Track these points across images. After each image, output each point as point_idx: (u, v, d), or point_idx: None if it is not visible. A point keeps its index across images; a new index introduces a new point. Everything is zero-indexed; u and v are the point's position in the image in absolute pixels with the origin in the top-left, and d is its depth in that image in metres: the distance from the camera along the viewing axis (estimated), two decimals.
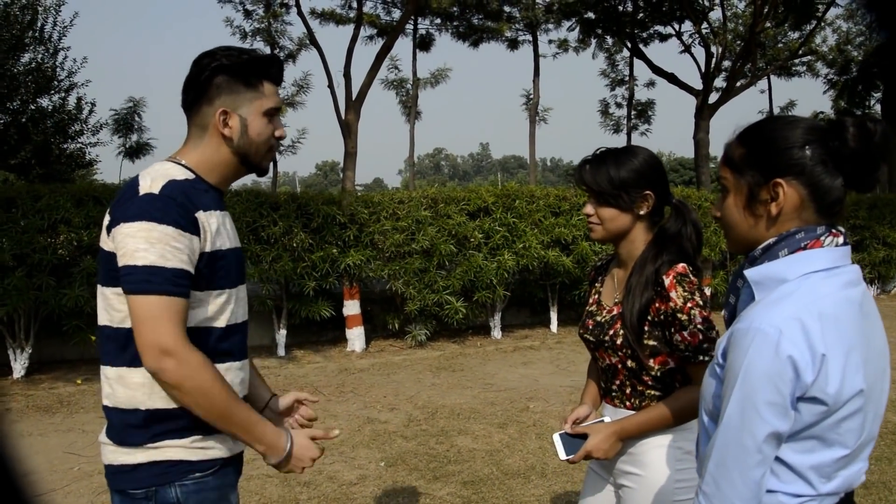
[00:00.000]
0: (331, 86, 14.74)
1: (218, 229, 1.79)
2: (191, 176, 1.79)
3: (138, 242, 1.63)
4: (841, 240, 1.42)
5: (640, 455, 2.10)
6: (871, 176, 1.42)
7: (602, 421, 2.14)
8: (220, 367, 1.77)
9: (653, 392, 2.09)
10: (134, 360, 1.69)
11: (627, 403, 2.13)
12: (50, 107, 18.56)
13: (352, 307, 9.23)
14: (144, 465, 1.72)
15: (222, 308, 1.81)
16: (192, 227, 1.70)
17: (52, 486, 4.59)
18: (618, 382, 2.15)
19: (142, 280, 1.62)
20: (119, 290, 1.69)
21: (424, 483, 4.60)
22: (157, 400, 1.71)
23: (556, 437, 2.17)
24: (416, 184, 27.63)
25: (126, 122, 18.91)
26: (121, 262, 1.66)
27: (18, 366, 7.53)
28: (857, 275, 1.43)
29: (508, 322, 10.67)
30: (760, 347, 1.30)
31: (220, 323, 1.81)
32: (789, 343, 1.29)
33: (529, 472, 4.76)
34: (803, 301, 1.33)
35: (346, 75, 14.33)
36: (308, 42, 17.88)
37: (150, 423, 1.72)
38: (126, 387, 1.72)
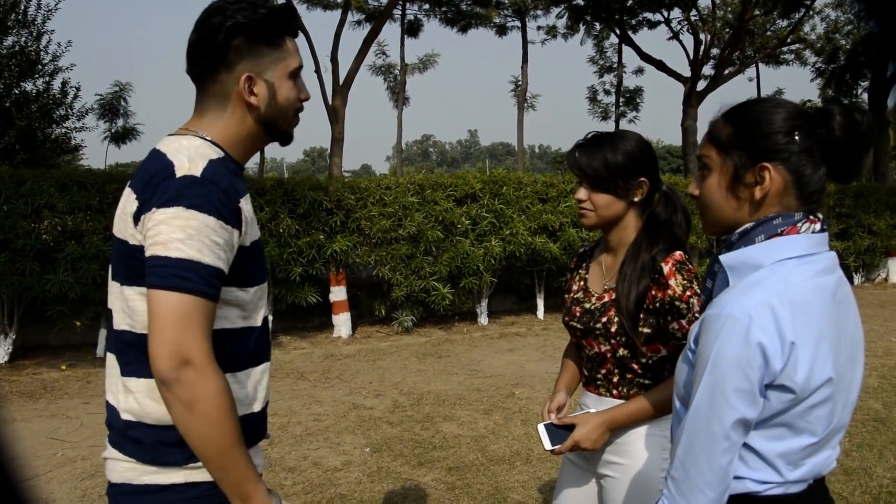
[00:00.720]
0: (317, 71, 14.62)
1: (252, 218, 1.58)
2: (221, 154, 1.55)
3: (174, 231, 1.39)
4: (818, 226, 1.41)
5: (625, 445, 2.07)
6: (854, 166, 1.41)
7: (588, 411, 2.12)
8: (257, 368, 1.61)
9: (642, 380, 2.06)
10: None
11: (614, 392, 2.10)
12: (34, 91, 18.33)
13: (338, 293, 9.21)
14: (180, 485, 1.50)
15: (258, 304, 1.62)
16: (235, 219, 1.48)
17: (36, 472, 4.57)
18: (604, 371, 2.12)
19: (173, 275, 1.37)
20: (143, 290, 1.45)
21: (409, 469, 4.61)
22: None
23: (541, 427, 2.14)
24: (403, 170, 27.57)
25: (112, 106, 18.71)
26: (149, 252, 1.41)
27: (2, 351, 7.49)
28: (832, 262, 1.42)
29: (495, 308, 10.68)
30: (730, 333, 1.30)
31: (258, 321, 1.63)
32: (759, 330, 1.28)
33: (514, 458, 4.77)
34: (775, 288, 1.32)
35: (334, 60, 14.21)
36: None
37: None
38: (160, 401, 1.45)
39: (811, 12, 23.33)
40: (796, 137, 1.38)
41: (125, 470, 1.53)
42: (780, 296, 1.31)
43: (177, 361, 1.35)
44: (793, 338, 1.29)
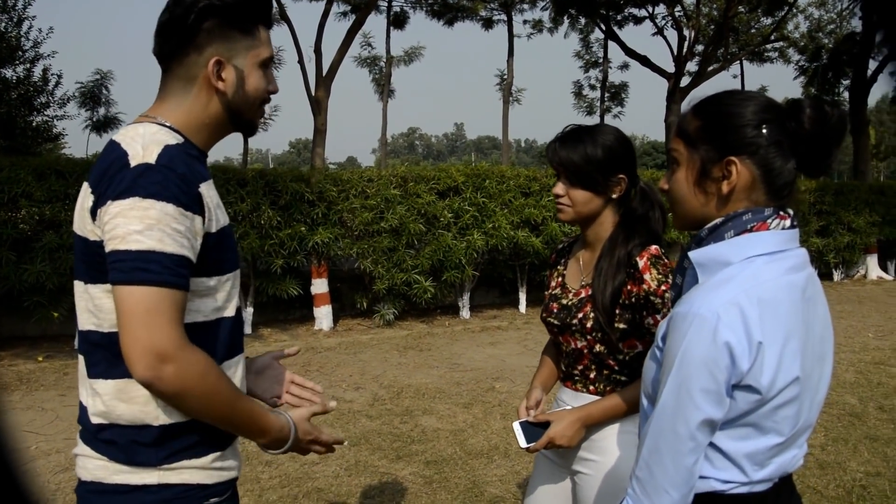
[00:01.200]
0: (301, 62, 14.56)
1: (217, 203, 1.53)
2: (180, 139, 1.48)
3: (131, 223, 1.34)
4: (788, 223, 1.39)
5: (599, 442, 2.06)
6: (824, 160, 1.38)
7: (564, 407, 2.11)
8: (232, 361, 1.58)
9: (618, 377, 2.06)
10: None
11: (591, 388, 2.09)
12: (14, 78, 18.15)
13: (320, 285, 9.18)
14: (153, 486, 1.45)
15: (230, 294, 1.57)
16: (196, 205, 1.42)
17: None
18: (581, 367, 2.11)
19: (134, 268, 1.32)
20: (109, 286, 1.39)
21: (387, 462, 4.59)
22: (173, 413, 1.45)
23: (517, 426, 2.12)
24: (389, 163, 27.51)
25: (93, 94, 18.53)
26: (108, 248, 1.36)
27: None
28: (802, 259, 1.40)
29: (477, 302, 10.68)
30: (698, 333, 1.28)
31: (231, 311, 1.57)
32: (727, 329, 1.27)
33: (493, 452, 4.77)
34: (743, 286, 1.30)
35: (317, 51, 14.16)
36: (279, 17, 17.65)
37: (166, 440, 1.46)
38: (130, 402, 1.44)
39: (795, 10, 23.48)
40: (764, 131, 1.36)
41: (96, 468, 1.49)
42: (749, 294, 1.29)
43: (151, 359, 1.31)
44: (760, 337, 1.28)
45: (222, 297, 1.54)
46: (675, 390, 1.30)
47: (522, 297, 10.67)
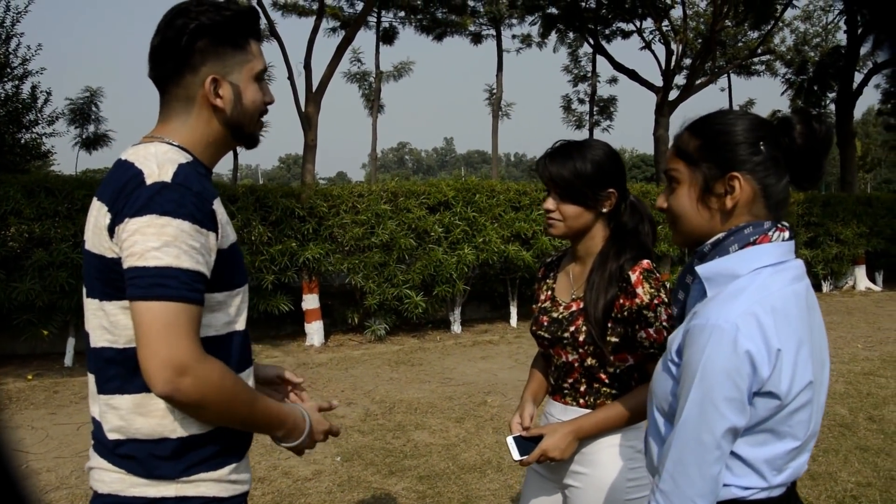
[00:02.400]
0: (291, 77, 14.59)
1: (227, 220, 1.56)
2: (189, 158, 1.52)
3: (149, 240, 1.37)
4: (787, 234, 1.44)
5: (591, 454, 2.06)
6: (815, 173, 1.44)
7: (553, 421, 2.12)
8: (243, 374, 1.60)
9: (608, 390, 2.07)
10: None
11: (581, 401, 2.10)
12: (2, 95, 18.08)
13: (311, 301, 9.16)
14: (170, 499, 1.48)
15: (240, 308, 1.61)
16: (210, 222, 1.46)
17: None
18: (571, 380, 2.11)
19: (153, 284, 1.36)
20: (126, 303, 1.43)
21: (380, 478, 4.58)
22: (191, 425, 1.48)
23: (510, 440, 2.12)
24: (379, 178, 27.53)
25: (83, 112, 18.51)
26: (126, 264, 1.39)
27: None
28: (801, 269, 1.45)
29: (468, 316, 10.68)
30: (718, 343, 1.31)
31: (241, 325, 1.61)
32: (746, 338, 1.30)
33: (485, 466, 4.77)
34: (756, 296, 1.34)
35: (307, 67, 14.20)
36: (268, 33, 17.71)
37: (184, 453, 1.48)
38: (147, 416, 1.47)
39: (781, 24, 23.73)
40: (762, 147, 1.41)
41: (114, 481, 1.50)
42: (762, 304, 1.33)
43: (170, 373, 1.34)
44: (778, 345, 1.32)
45: (233, 311, 1.58)
46: (699, 401, 1.33)
47: (513, 311, 10.68)
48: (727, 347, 1.30)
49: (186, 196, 1.42)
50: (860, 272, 14.85)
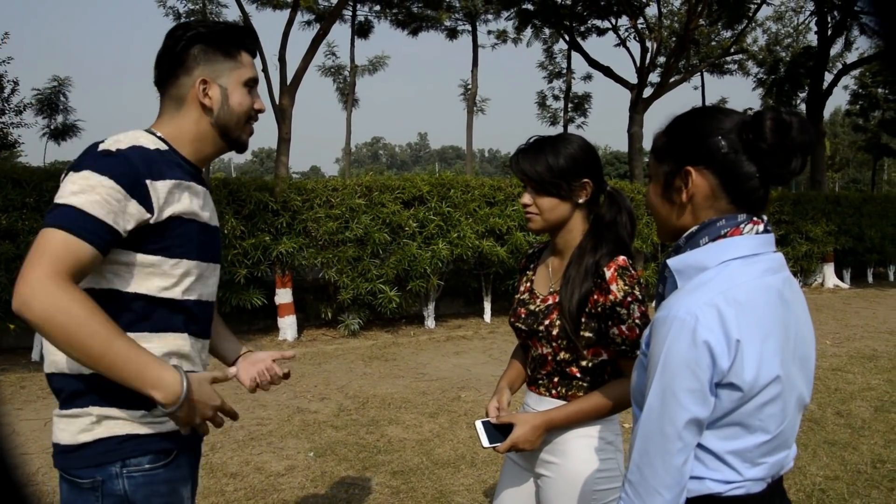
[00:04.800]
0: (265, 70, 14.46)
1: (178, 198, 1.67)
2: (164, 147, 1.70)
3: (72, 186, 1.53)
4: (761, 227, 1.44)
5: (562, 445, 2.08)
6: (785, 168, 1.41)
7: (528, 411, 2.13)
8: (175, 335, 1.70)
9: (581, 383, 2.08)
10: None
11: (553, 392, 2.11)
12: None
13: (284, 295, 9.10)
14: (90, 444, 1.61)
15: (181, 280, 1.69)
16: (137, 193, 1.58)
17: None
18: (545, 372, 2.13)
19: (58, 216, 1.50)
20: None
21: (354, 473, 4.56)
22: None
23: (479, 424, 2.14)
24: (352, 172, 27.44)
25: (50, 102, 18.21)
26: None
27: None
28: (779, 262, 1.45)
29: (442, 312, 10.68)
30: (678, 335, 1.32)
31: (177, 294, 1.69)
32: (705, 329, 1.30)
33: (459, 461, 4.76)
34: (719, 288, 1.35)
35: (282, 60, 14.06)
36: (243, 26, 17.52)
37: (97, 388, 1.60)
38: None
39: (753, 24, 23.99)
40: (721, 141, 1.41)
41: (58, 429, 1.67)
42: (725, 295, 1.34)
43: (25, 288, 1.42)
44: (738, 336, 1.32)
45: (173, 280, 1.68)
46: (661, 392, 1.34)
47: (487, 306, 10.69)
48: (686, 338, 1.31)
49: (121, 164, 1.58)
50: (829, 270, 15.08)
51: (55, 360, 1.64)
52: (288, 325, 9.12)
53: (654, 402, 1.34)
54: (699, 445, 1.37)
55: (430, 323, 10.11)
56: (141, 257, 1.63)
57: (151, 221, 1.62)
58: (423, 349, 8.73)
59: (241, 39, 1.80)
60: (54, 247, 1.47)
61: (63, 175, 1.62)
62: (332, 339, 9.31)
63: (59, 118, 18.48)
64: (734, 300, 1.33)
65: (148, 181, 1.61)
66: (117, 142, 1.62)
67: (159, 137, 1.71)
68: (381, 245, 9.21)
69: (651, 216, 1.62)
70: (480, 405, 6.10)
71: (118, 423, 1.62)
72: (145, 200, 1.60)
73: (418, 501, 4.14)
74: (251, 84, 1.82)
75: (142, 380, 1.51)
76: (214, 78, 1.75)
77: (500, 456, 4.72)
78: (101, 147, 1.60)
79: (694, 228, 1.46)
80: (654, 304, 1.60)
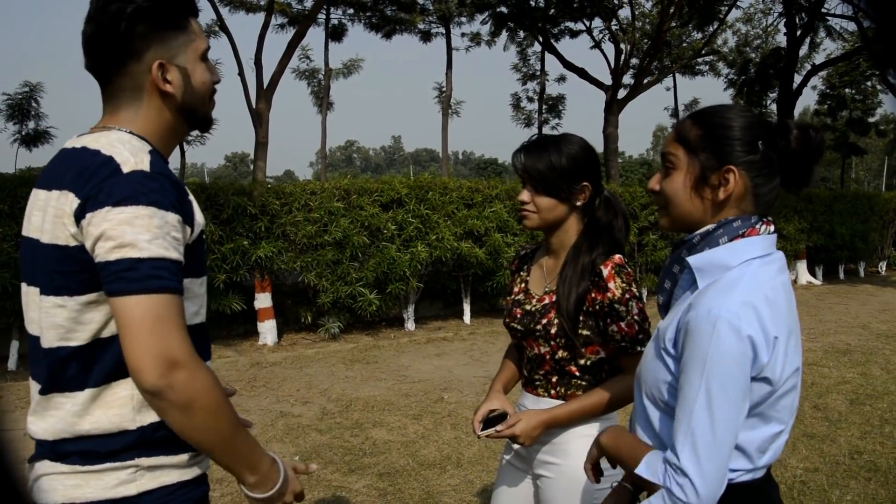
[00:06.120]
0: (241, 74, 14.41)
1: (196, 208, 1.50)
2: (151, 147, 1.45)
3: (139, 232, 1.30)
4: (772, 228, 1.50)
5: (561, 445, 2.09)
6: (805, 177, 1.50)
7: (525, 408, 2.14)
8: (208, 364, 1.51)
9: (580, 382, 2.09)
10: (117, 372, 1.38)
11: (552, 392, 2.12)
12: None
13: (263, 300, 9.06)
14: (132, 498, 1.40)
15: (203, 299, 1.55)
16: (188, 215, 1.42)
17: None
18: (542, 372, 2.14)
19: (148, 276, 1.29)
20: (92, 296, 1.36)
21: (340, 476, 4.56)
22: (150, 412, 1.40)
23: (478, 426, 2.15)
24: (327, 176, 27.34)
25: (21, 107, 17.95)
26: (113, 256, 1.30)
27: None
28: (784, 261, 1.52)
29: (422, 314, 10.69)
30: (724, 332, 1.35)
31: (203, 317, 1.55)
32: (748, 326, 1.35)
33: (445, 462, 4.78)
34: (751, 287, 1.39)
35: (258, 63, 14.03)
36: (218, 29, 17.44)
37: (141, 443, 1.41)
38: (107, 406, 1.39)
39: (724, 26, 24.28)
40: (760, 146, 1.46)
41: (67, 488, 1.43)
42: (757, 294, 1.38)
43: (165, 367, 1.27)
44: (775, 332, 1.37)
45: (199, 301, 1.53)
46: (706, 389, 1.35)
47: (467, 307, 10.72)
48: (732, 335, 1.34)
49: (167, 187, 1.36)
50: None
51: (90, 419, 1.40)
52: (268, 330, 9.08)
53: (702, 401, 1.36)
54: None
55: (411, 325, 10.11)
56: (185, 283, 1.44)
57: (189, 242, 1.45)
58: (403, 351, 8.73)
59: (187, 4, 1.53)
60: (169, 313, 1.31)
61: (79, 207, 1.35)
62: (312, 342, 9.28)
63: (31, 124, 18.22)
64: (765, 298, 1.38)
65: (189, 197, 1.45)
66: (134, 155, 1.38)
67: (137, 136, 1.46)
68: (360, 248, 9.20)
69: (655, 201, 1.60)
70: (464, 406, 6.13)
71: (166, 472, 1.44)
72: (191, 220, 1.44)
73: (405, 503, 4.15)
74: (206, 55, 1.56)
75: (253, 468, 1.45)
76: (171, 59, 1.48)
77: (485, 456, 4.77)
78: (126, 167, 1.35)
79: (711, 226, 1.49)
80: (657, 299, 1.62)
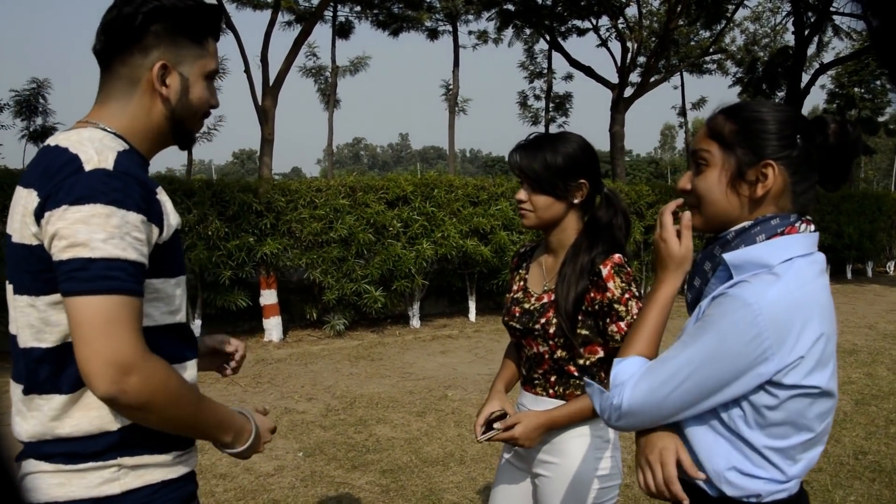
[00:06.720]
0: (247, 71, 14.42)
1: (170, 208, 1.47)
2: (126, 146, 1.42)
3: (94, 231, 1.27)
4: (812, 227, 1.45)
5: (560, 444, 2.09)
6: (843, 174, 1.46)
7: (523, 410, 2.14)
8: (188, 363, 1.51)
9: (579, 381, 2.08)
10: None
11: (551, 391, 2.12)
12: None
13: (269, 297, 9.08)
14: (117, 496, 1.39)
15: (181, 297, 1.52)
16: (155, 215, 1.38)
17: None
18: (541, 371, 2.13)
19: (99, 276, 1.26)
20: (57, 297, 1.33)
21: (343, 472, 4.58)
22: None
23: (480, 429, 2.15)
24: (334, 173, 27.36)
25: (29, 104, 18.00)
26: (66, 255, 1.28)
27: None
28: (825, 263, 1.46)
29: (427, 311, 10.70)
30: (742, 318, 1.32)
31: (182, 316, 1.52)
32: (772, 325, 1.32)
33: (448, 459, 4.79)
34: (793, 284, 1.35)
35: (264, 60, 14.04)
36: (224, 25, 17.46)
37: (123, 444, 1.40)
38: (88, 408, 1.37)
39: (732, 25, 24.20)
40: (798, 140, 1.42)
41: (50, 487, 1.42)
42: (800, 292, 1.35)
43: (115, 373, 1.25)
44: (820, 330, 1.35)
45: (175, 301, 1.49)
46: (699, 348, 1.35)
47: (472, 305, 10.72)
48: (748, 325, 1.31)
49: (131, 185, 1.34)
50: None
51: (70, 422, 1.39)
52: (273, 327, 9.11)
53: (687, 354, 1.36)
54: (745, 442, 1.38)
55: (416, 322, 10.12)
56: (149, 283, 1.41)
57: (160, 242, 1.42)
58: (408, 349, 8.74)
59: (212, 23, 1.53)
60: (120, 315, 1.28)
61: (39, 205, 1.34)
62: (317, 339, 9.30)
63: (39, 120, 18.26)
64: (809, 297, 1.35)
65: (158, 196, 1.42)
66: (99, 153, 1.35)
67: (113, 133, 1.44)
68: (366, 245, 9.22)
69: (686, 200, 1.54)
70: (467, 403, 6.13)
71: (150, 471, 1.43)
72: (159, 220, 1.40)
73: (408, 500, 4.16)
74: (212, 76, 1.56)
75: (224, 432, 1.50)
76: (175, 64, 1.47)
77: (488, 453, 4.77)
78: (89, 165, 1.32)
79: (747, 223, 1.44)
80: (685, 297, 1.57)
